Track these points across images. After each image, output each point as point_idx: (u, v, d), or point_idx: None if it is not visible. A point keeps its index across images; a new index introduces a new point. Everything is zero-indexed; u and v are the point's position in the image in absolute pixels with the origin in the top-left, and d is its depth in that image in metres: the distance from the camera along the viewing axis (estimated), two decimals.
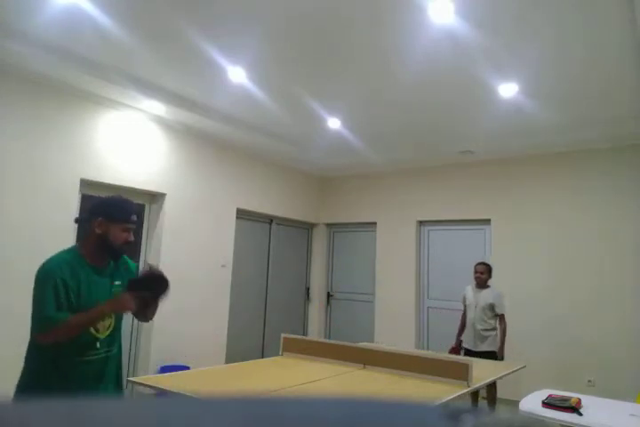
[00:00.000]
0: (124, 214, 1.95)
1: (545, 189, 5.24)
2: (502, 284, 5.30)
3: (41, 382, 1.82)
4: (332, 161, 6.14)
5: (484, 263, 4.52)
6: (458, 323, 4.59)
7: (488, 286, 4.45)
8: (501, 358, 4.27)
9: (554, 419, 2.67)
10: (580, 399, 2.80)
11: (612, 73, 3.31)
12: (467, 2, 2.53)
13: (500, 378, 3.24)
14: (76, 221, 2.03)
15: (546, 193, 5.23)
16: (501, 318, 4.35)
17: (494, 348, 4.27)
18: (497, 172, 5.58)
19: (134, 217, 1.99)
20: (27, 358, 1.89)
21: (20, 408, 0.28)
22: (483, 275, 4.41)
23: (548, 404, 2.79)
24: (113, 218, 1.92)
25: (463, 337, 4.45)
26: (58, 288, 1.77)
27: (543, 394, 3.00)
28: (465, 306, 4.53)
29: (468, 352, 4.31)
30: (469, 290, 4.52)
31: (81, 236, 1.99)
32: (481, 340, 4.30)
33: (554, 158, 5.22)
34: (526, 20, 2.69)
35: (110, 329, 1.95)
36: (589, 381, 4.65)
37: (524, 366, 3.72)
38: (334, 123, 4.60)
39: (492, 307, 4.32)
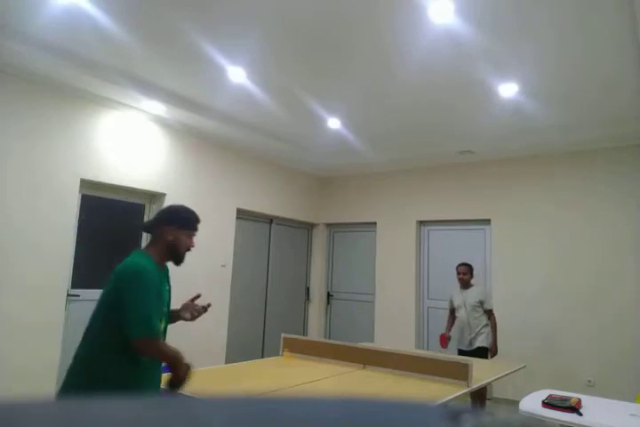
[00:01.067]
0: (193, 223, 2.08)
1: (545, 189, 5.24)
2: (502, 284, 5.31)
3: (109, 386, 1.80)
4: (332, 161, 6.14)
5: (465, 264, 4.56)
6: (449, 322, 4.62)
7: (472, 285, 4.51)
8: (495, 354, 4.30)
9: (554, 419, 2.67)
10: (579, 399, 2.80)
11: (612, 73, 3.31)
12: (467, 2, 2.53)
13: (500, 378, 3.24)
14: (145, 228, 2.10)
15: (546, 193, 5.23)
16: (490, 313, 4.40)
17: (486, 344, 4.31)
18: (497, 172, 5.58)
19: (198, 224, 2.14)
20: (97, 360, 1.82)
21: (19, 409, 0.28)
22: (465, 275, 4.48)
23: (547, 404, 2.79)
24: (183, 226, 2.04)
25: (457, 339, 4.47)
26: (157, 297, 1.87)
27: (543, 394, 3.00)
28: (453, 308, 4.57)
29: (462, 353, 4.33)
30: (456, 292, 4.57)
31: (151, 241, 2.05)
32: (475, 338, 4.33)
33: (554, 158, 5.22)
34: (526, 20, 2.69)
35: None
36: (589, 381, 4.65)
37: (524, 366, 3.72)
38: (334, 123, 4.60)
39: (481, 304, 4.38)
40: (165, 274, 2.06)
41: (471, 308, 4.38)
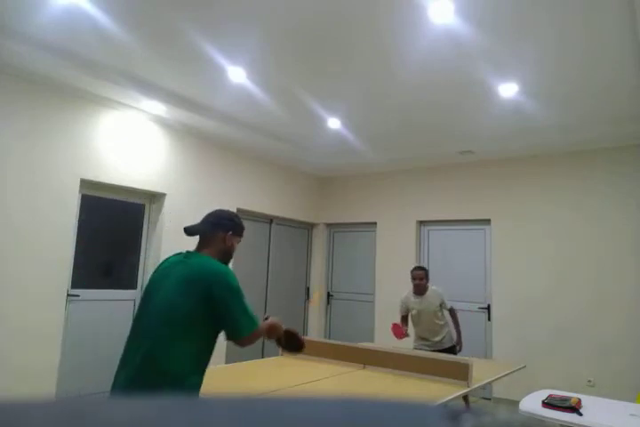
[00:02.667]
0: (243, 230, 2.17)
1: (545, 189, 5.24)
2: (502, 284, 5.31)
3: (192, 388, 1.83)
4: (332, 161, 6.14)
5: (420, 268, 4.32)
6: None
7: (427, 289, 4.26)
8: (460, 350, 4.23)
9: (554, 419, 2.68)
10: (579, 399, 2.80)
11: (611, 73, 3.31)
12: (467, 2, 2.53)
13: (500, 378, 3.24)
14: (195, 232, 2.09)
15: (546, 193, 5.23)
16: (451, 311, 4.27)
17: (452, 342, 4.24)
18: (497, 172, 5.58)
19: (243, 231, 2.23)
20: (178, 362, 1.79)
21: (19, 409, 0.28)
22: (422, 280, 4.22)
23: (548, 404, 2.79)
24: (238, 233, 2.13)
25: (420, 340, 4.29)
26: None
27: (543, 394, 3.00)
28: (406, 315, 4.35)
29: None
30: (411, 298, 4.30)
31: (205, 245, 2.06)
32: (441, 340, 4.21)
33: (554, 158, 5.22)
34: (526, 20, 2.69)
35: None
36: (589, 381, 4.65)
37: (524, 367, 3.72)
38: (334, 123, 4.60)
39: (440, 307, 4.21)
40: None
41: (432, 314, 4.20)
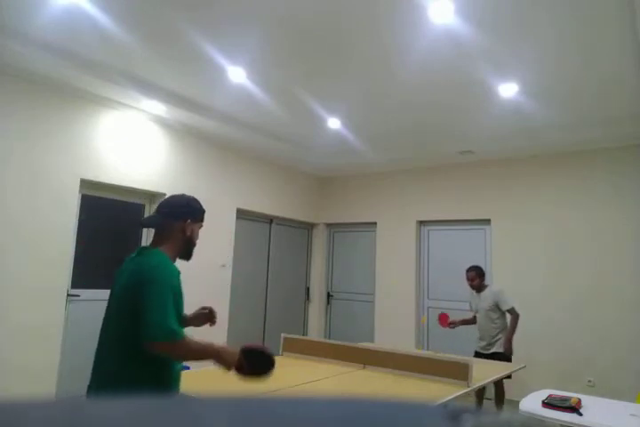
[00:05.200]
0: (203, 213, 1.95)
1: (545, 189, 5.24)
2: (502, 283, 5.30)
3: (140, 389, 1.67)
4: (332, 161, 6.14)
5: (472, 269, 4.45)
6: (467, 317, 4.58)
7: (486, 287, 4.43)
8: (510, 353, 4.20)
9: (554, 419, 2.67)
10: (579, 399, 2.80)
11: (611, 73, 3.31)
12: (467, 2, 2.53)
13: (500, 378, 3.24)
14: (148, 224, 1.89)
15: (546, 193, 5.23)
16: (511, 312, 4.29)
17: (502, 349, 4.23)
18: (497, 172, 5.58)
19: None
20: (120, 364, 1.70)
21: (18, 409, 0.28)
22: (474, 281, 4.39)
23: (548, 404, 2.79)
24: (197, 218, 1.91)
25: (475, 341, 4.42)
26: (175, 297, 1.68)
27: (543, 394, 3.00)
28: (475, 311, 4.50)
29: (478, 355, 4.27)
30: (472, 295, 4.50)
31: (161, 238, 1.86)
32: (492, 342, 4.27)
33: (554, 158, 5.22)
34: (526, 20, 2.69)
35: None
36: (589, 381, 4.65)
37: (524, 367, 3.72)
38: (334, 123, 4.59)
39: (495, 307, 4.27)
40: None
41: (484, 313, 4.30)
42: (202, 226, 1.96)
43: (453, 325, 4.44)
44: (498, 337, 4.26)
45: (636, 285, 4.60)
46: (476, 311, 4.42)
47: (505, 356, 4.17)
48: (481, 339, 4.36)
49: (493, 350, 4.24)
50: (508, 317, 4.32)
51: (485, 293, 4.37)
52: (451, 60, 3.21)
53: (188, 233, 1.87)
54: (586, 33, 2.81)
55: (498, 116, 4.23)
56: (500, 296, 4.31)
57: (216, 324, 2.09)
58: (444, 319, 4.43)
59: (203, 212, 1.96)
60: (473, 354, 4.33)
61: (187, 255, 1.92)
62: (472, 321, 4.50)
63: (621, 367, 4.53)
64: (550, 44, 2.96)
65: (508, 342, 4.22)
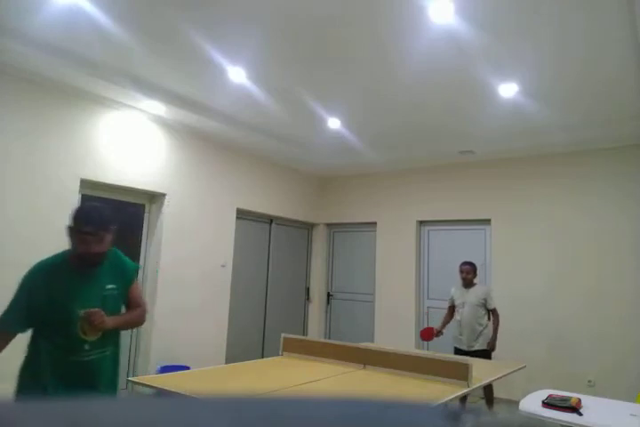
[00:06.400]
0: (76, 224, 1.85)
1: (545, 189, 5.24)
2: (502, 284, 5.31)
3: (37, 376, 1.93)
4: (332, 161, 6.13)
5: (468, 263, 4.49)
6: (445, 318, 4.61)
7: (475, 284, 4.46)
8: (492, 350, 4.27)
9: (554, 419, 2.67)
10: (579, 399, 2.80)
11: (612, 73, 3.31)
12: (467, 2, 2.53)
13: (500, 378, 3.24)
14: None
15: (546, 193, 5.23)
16: (494, 312, 4.36)
17: (486, 346, 4.27)
18: (497, 172, 5.58)
19: (87, 227, 1.83)
20: (28, 347, 2.02)
21: (18, 409, 0.28)
22: (469, 275, 4.42)
23: (547, 404, 2.79)
24: (70, 227, 1.88)
25: (455, 338, 4.43)
26: (23, 295, 1.91)
27: (543, 394, 3.00)
28: (453, 305, 4.52)
29: (459, 352, 4.27)
30: (458, 290, 4.52)
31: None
32: (474, 339, 4.28)
33: (554, 158, 5.22)
34: (526, 20, 2.69)
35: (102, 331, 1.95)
36: (589, 381, 4.65)
37: (524, 366, 3.72)
38: (334, 123, 4.59)
39: (483, 303, 4.33)
40: (105, 272, 2.03)
41: (472, 307, 4.32)
42: (82, 238, 1.85)
43: (439, 333, 4.46)
44: (481, 333, 4.29)
45: (636, 284, 4.60)
46: (460, 306, 4.41)
47: (486, 353, 4.22)
48: (461, 334, 4.35)
49: (477, 347, 4.25)
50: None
51: (475, 288, 4.43)
52: (451, 60, 3.21)
53: (68, 239, 1.93)
54: (586, 33, 2.81)
55: (498, 116, 4.23)
56: (490, 294, 4.41)
57: (105, 323, 1.93)
58: (428, 334, 4.46)
59: (73, 221, 1.87)
60: (453, 351, 4.35)
61: (82, 263, 1.95)
62: (449, 318, 4.54)
63: (621, 367, 4.53)
64: (550, 45, 2.96)
65: (494, 340, 4.29)
